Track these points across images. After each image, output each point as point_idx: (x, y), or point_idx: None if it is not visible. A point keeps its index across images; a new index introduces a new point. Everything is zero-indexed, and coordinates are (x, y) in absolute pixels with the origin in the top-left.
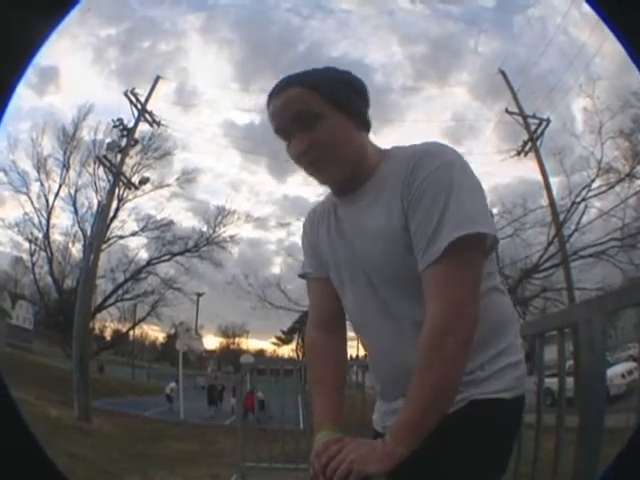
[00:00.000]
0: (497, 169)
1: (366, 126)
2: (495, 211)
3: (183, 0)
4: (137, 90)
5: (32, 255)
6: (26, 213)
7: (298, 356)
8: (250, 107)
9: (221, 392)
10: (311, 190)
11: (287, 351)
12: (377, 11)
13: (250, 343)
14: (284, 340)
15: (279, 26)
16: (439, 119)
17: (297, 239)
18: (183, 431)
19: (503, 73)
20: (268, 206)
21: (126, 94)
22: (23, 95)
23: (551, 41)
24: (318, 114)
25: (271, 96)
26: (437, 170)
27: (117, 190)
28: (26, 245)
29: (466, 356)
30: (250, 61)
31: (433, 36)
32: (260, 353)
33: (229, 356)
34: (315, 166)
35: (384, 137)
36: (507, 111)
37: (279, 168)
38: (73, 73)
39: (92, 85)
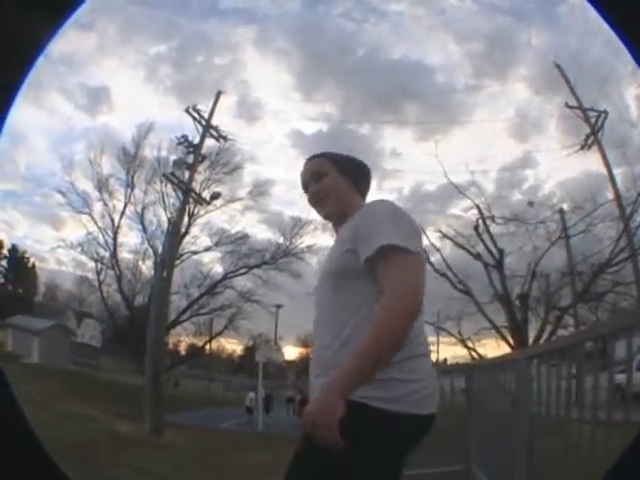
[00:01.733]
0: (563, 165)
1: (359, 192)
2: (566, 207)
3: (230, 13)
4: (199, 106)
5: (99, 274)
6: (89, 233)
7: None
8: (316, 116)
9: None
10: (384, 195)
11: None
12: (428, 10)
13: None
14: None
15: (334, 32)
16: (503, 117)
17: None
18: (261, 442)
19: (558, 66)
20: None
21: (188, 111)
22: (74, 117)
23: (595, 30)
24: (326, 172)
25: (304, 164)
26: (369, 208)
27: (188, 206)
28: (91, 264)
29: (403, 326)
30: (310, 70)
31: (486, 32)
32: None
33: (308, 365)
34: (319, 204)
35: (454, 137)
36: (567, 105)
37: None
38: (126, 92)
39: (148, 103)
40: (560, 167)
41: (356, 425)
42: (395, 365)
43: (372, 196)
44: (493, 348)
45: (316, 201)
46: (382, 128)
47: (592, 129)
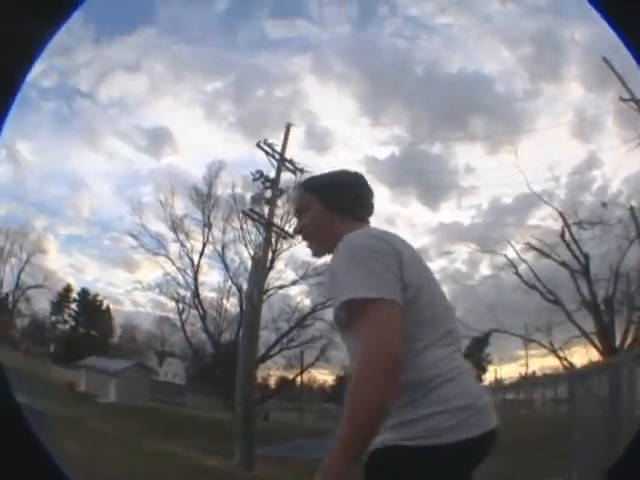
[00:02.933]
0: (627, 160)
1: (349, 213)
2: (634, 203)
3: (280, 44)
4: (269, 140)
5: (180, 314)
6: (167, 274)
7: None
8: (386, 139)
9: None
10: (464, 213)
11: None
12: (474, 19)
13: None
14: None
15: (389, 53)
16: (564, 120)
17: (460, 265)
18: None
19: (606, 60)
20: (426, 236)
21: (259, 145)
22: (136, 159)
23: None
24: (306, 206)
25: None
26: (334, 253)
27: (270, 241)
28: (170, 304)
29: (382, 379)
30: (373, 93)
31: (532, 34)
32: None
33: None
34: (306, 244)
35: (522, 146)
36: (621, 99)
37: (429, 196)
38: (187, 131)
39: (212, 141)
40: (624, 163)
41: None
42: (407, 406)
43: (451, 215)
44: (581, 355)
45: (302, 240)
46: (452, 145)
47: None
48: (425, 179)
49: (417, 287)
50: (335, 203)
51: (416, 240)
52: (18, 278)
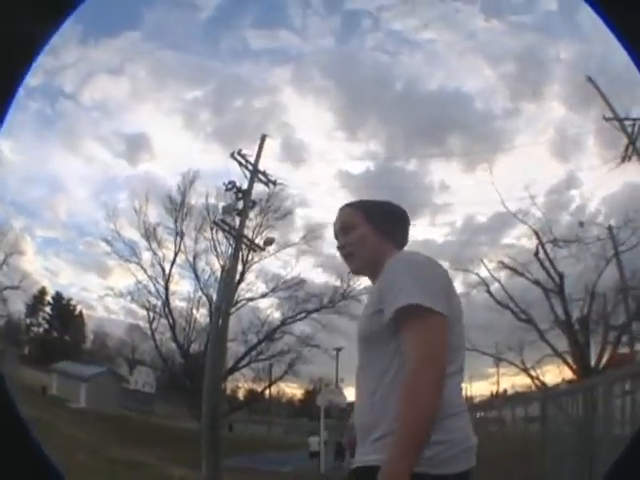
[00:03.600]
0: (607, 180)
1: (392, 241)
2: (613, 223)
3: (263, 54)
4: (244, 151)
5: (151, 322)
6: (139, 281)
7: None
8: (361, 155)
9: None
10: (437, 231)
11: None
12: (458, 35)
13: None
14: None
15: (369, 66)
16: (543, 139)
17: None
18: None
19: (590, 79)
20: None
21: (233, 156)
22: (113, 164)
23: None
24: (355, 225)
25: (337, 213)
26: (393, 263)
27: (241, 253)
28: (141, 312)
29: (429, 391)
30: (350, 107)
31: (515, 52)
32: None
33: None
34: (347, 259)
35: (500, 165)
36: (604, 118)
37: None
38: (165, 139)
39: (190, 149)
40: (603, 183)
41: None
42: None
43: (425, 232)
44: (554, 375)
45: (344, 256)
46: (428, 162)
47: (630, 139)
48: (399, 195)
49: (455, 316)
50: (385, 229)
51: None
52: None
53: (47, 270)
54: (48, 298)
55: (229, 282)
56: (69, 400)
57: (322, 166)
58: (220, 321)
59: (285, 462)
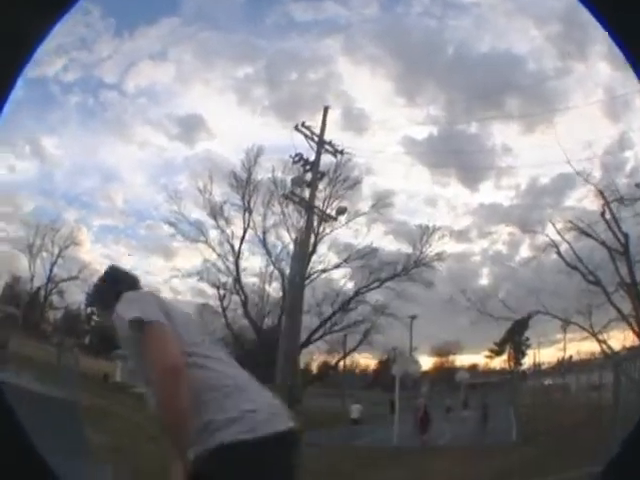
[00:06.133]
0: None
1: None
2: None
3: (310, 27)
4: (307, 123)
5: (222, 300)
6: (207, 260)
7: (510, 367)
8: (423, 120)
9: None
10: (503, 194)
11: (499, 363)
12: None
13: (464, 359)
14: (497, 352)
15: (419, 32)
16: (594, 99)
17: (501, 246)
18: (396, 458)
19: None
20: (467, 217)
21: (297, 128)
22: (169, 147)
23: None
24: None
25: None
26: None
27: (312, 225)
28: (211, 291)
29: (172, 395)
30: (406, 74)
31: (559, 11)
32: (473, 368)
33: (444, 375)
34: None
35: (557, 123)
36: None
37: (469, 177)
38: (221, 118)
39: (248, 125)
40: None
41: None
42: (207, 407)
43: (491, 196)
44: (620, 340)
45: None
46: (488, 125)
47: None
48: (464, 159)
49: (182, 319)
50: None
51: (457, 222)
52: (50, 272)
53: (107, 257)
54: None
55: (302, 254)
56: (134, 385)
57: (385, 133)
58: (294, 294)
59: (359, 435)
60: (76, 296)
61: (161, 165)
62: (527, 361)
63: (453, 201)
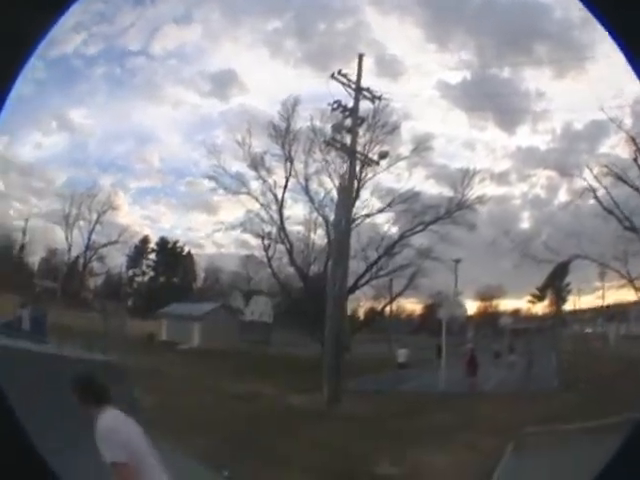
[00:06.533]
0: None
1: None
2: None
3: None
4: (344, 71)
5: (267, 250)
6: (250, 211)
7: (551, 314)
8: (456, 65)
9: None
10: (540, 138)
11: (541, 309)
12: None
13: (507, 304)
14: (539, 297)
15: None
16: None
17: (539, 190)
18: (442, 403)
19: None
20: (505, 160)
21: (334, 77)
22: (203, 104)
23: None
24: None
25: None
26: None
27: (355, 170)
28: (255, 242)
29: None
30: (434, 20)
31: None
32: (516, 313)
33: (488, 319)
34: None
35: (588, 72)
36: None
37: (505, 120)
38: (254, 71)
39: (281, 77)
40: None
41: None
42: None
43: (528, 140)
44: None
45: None
46: (520, 70)
47: None
48: (499, 103)
49: (137, 443)
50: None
51: (496, 165)
52: (89, 239)
53: (147, 218)
54: (151, 245)
55: (346, 199)
56: (181, 342)
57: (419, 78)
58: (340, 239)
59: (406, 380)
60: (117, 260)
61: (196, 122)
62: (568, 308)
63: (491, 144)
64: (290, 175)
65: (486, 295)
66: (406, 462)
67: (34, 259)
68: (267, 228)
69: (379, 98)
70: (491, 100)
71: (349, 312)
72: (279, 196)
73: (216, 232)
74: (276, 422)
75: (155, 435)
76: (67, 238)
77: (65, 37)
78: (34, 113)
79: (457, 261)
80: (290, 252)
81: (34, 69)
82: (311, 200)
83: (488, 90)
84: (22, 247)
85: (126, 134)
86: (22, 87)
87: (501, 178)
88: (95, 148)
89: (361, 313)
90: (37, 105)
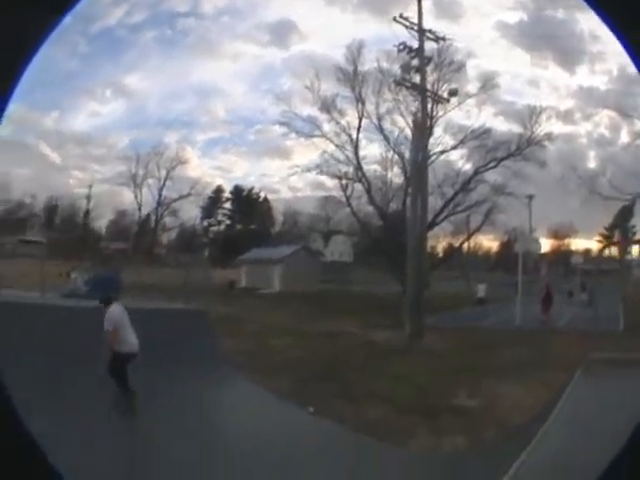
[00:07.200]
0: None
1: None
2: None
3: None
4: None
5: (345, 190)
6: (324, 152)
7: (619, 255)
8: (513, 5)
9: (549, 295)
10: (599, 79)
11: (609, 251)
12: None
13: (577, 243)
14: (606, 237)
15: None
16: None
17: (603, 130)
18: (517, 338)
19: None
20: (569, 99)
21: (396, 20)
22: (263, 54)
23: None
24: None
25: None
26: None
27: (426, 107)
28: (331, 183)
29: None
30: None
31: None
32: (586, 253)
33: (560, 258)
34: None
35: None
36: None
37: (565, 60)
38: (312, 18)
39: (340, 23)
40: None
41: None
42: None
43: (587, 80)
44: None
45: None
46: (574, 12)
47: None
48: (557, 43)
49: None
50: None
51: (561, 103)
52: (159, 196)
53: (218, 169)
54: (226, 194)
55: (420, 136)
56: (262, 287)
57: (478, 19)
58: (418, 175)
59: (484, 316)
60: (190, 213)
61: (259, 72)
62: (634, 251)
63: (554, 82)
64: (362, 116)
65: (558, 233)
66: (483, 394)
67: (101, 223)
68: (343, 169)
69: (443, 39)
70: (549, 40)
71: (428, 249)
72: (354, 136)
73: (291, 176)
74: (359, 358)
75: (241, 376)
76: (136, 197)
77: (104, 12)
78: (84, 85)
79: (530, 197)
80: (368, 191)
81: (76, 45)
82: (385, 139)
83: (545, 31)
84: (87, 213)
85: (186, 91)
86: (67, 63)
87: (566, 116)
88: (155, 108)
89: (439, 250)
90: (86, 78)
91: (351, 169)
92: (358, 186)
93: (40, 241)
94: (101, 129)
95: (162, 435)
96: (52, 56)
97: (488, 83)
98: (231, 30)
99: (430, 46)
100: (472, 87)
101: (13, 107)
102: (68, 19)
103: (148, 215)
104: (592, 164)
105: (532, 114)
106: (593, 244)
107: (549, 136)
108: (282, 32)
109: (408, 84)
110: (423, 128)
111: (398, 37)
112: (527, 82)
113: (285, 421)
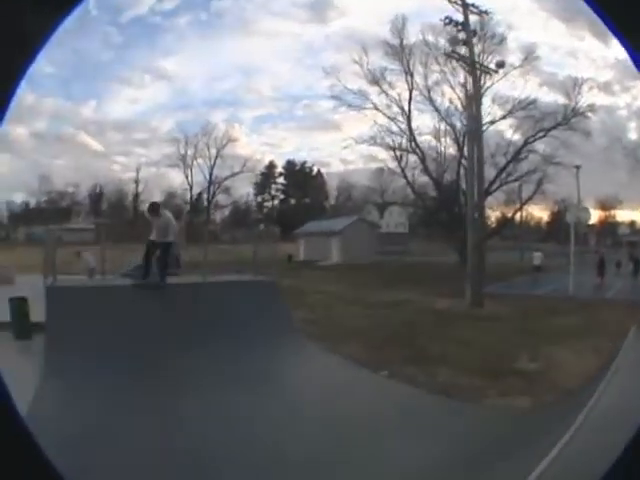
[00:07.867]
0: None
1: None
2: None
3: None
4: None
5: (399, 161)
6: (376, 123)
7: None
8: None
9: (602, 262)
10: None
11: None
12: None
13: (623, 215)
14: None
15: None
16: None
17: None
18: (571, 306)
19: None
20: (607, 70)
21: None
22: (303, 32)
23: None
24: None
25: None
26: None
27: (477, 79)
28: (384, 155)
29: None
30: None
31: None
32: (632, 225)
33: (607, 228)
34: None
35: None
36: None
37: (600, 32)
38: None
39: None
40: None
41: None
42: None
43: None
44: None
45: None
46: None
47: None
48: (591, 14)
49: None
50: None
51: (599, 74)
52: (210, 174)
53: (267, 145)
54: (278, 170)
55: (473, 107)
56: (320, 259)
57: None
58: (472, 144)
59: (539, 286)
60: (241, 190)
61: (301, 48)
62: None
63: (591, 54)
64: (412, 88)
65: (605, 204)
66: (541, 358)
67: None
68: (397, 139)
69: (485, 12)
70: (583, 11)
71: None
72: (405, 108)
73: (345, 149)
74: (426, 324)
75: (313, 344)
76: (187, 177)
77: (131, 2)
78: (120, 73)
79: (578, 167)
80: (423, 161)
81: (108, 35)
82: (437, 110)
83: (577, 4)
84: (136, 196)
85: (228, 71)
86: (101, 54)
87: (606, 88)
88: (198, 90)
89: (493, 220)
90: (121, 66)
91: (404, 140)
92: (412, 157)
93: (89, 228)
94: (142, 114)
95: (248, 401)
96: (85, 49)
97: (530, 55)
98: (268, 9)
99: (473, 19)
100: (514, 59)
101: (48, 102)
102: (95, 11)
103: (199, 194)
104: (634, 135)
105: (575, 85)
106: (638, 215)
107: (592, 107)
108: (321, 9)
109: (456, 56)
110: (474, 98)
111: (443, 10)
112: (566, 53)
113: (362, 385)
